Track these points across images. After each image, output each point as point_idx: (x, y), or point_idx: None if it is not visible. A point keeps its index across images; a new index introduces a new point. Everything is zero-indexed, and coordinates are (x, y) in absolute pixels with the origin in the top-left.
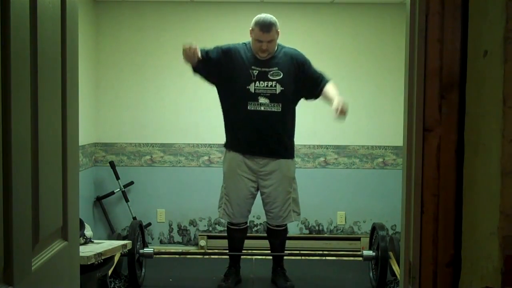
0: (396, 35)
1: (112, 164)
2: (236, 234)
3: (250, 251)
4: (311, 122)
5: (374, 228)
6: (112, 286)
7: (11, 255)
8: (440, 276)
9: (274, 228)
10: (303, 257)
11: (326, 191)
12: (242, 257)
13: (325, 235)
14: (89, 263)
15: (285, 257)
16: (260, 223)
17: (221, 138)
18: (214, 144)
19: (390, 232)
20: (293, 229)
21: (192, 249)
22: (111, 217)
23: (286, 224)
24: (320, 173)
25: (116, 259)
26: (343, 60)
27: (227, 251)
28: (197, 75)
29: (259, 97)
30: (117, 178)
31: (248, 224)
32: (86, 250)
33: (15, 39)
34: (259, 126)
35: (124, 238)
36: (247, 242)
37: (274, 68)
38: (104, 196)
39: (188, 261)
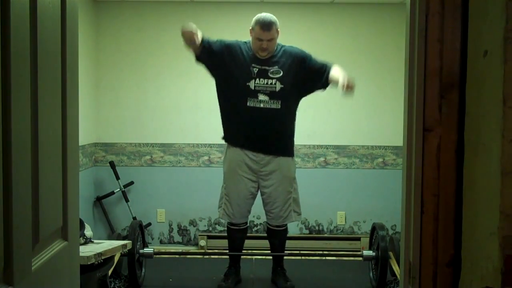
0: (396, 35)
1: (112, 164)
2: (236, 234)
3: (250, 251)
4: (311, 122)
5: (374, 228)
6: (112, 286)
7: (11, 255)
8: (440, 276)
9: (274, 228)
10: (303, 257)
11: (326, 191)
12: (242, 257)
13: (325, 235)
14: (89, 263)
15: (285, 257)
16: (260, 223)
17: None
18: (214, 144)
19: (390, 232)
20: (293, 229)
21: (192, 249)
22: (111, 217)
23: (286, 224)
24: (320, 173)
25: (116, 259)
26: (343, 60)
27: (227, 251)
28: (199, 64)
29: (259, 94)
30: (117, 178)
31: (248, 224)
32: (86, 250)
33: (15, 39)
34: (258, 122)
35: (124, 238)
36: (247, 242)
37: (274, 67)
38: (104, 196)
39: (188, 261)
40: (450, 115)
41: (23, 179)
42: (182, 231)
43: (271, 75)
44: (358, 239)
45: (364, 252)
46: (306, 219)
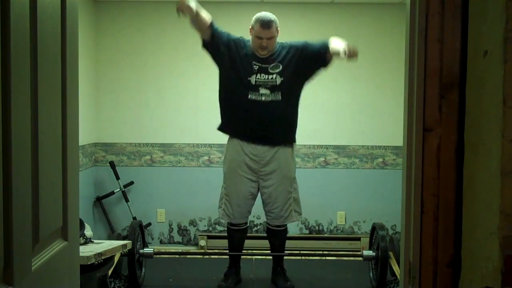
0: (396, 35)
1: (112, 164)
2: (236, 235)
3: (250, 251)
4: (311, 122)
5: (374, 228)
6: (112, 286)
7: (11, 255)
8: (440, 276)
9: (274, 228)
10: (303, 257)
11: (326, 191)
12: (242, 257)
13: (325, 235)
14: (89, 263)
15: (285, 257)
16: (260, 223)
17: (221, 138)
18: (214, 144)
19: (390, 232)
20: (293, 229)
21: (192, 249)
22: (111, 217)
23: (286, 224)
24: (320, 173)
25: (116, 259)
26: (343, 60)
27: (227, 251)
28: (205, 50)
29: (260, 88)
30: (117, 178)
31: (248, 225)
32: (86, 250)
33: (15, 39)
34: (258, 114)
35: (124, 238)
36: (247, 242)
37: (274, 63)
38: (104, 196)
39: (188, 261)
40: (450, 115)
41: (23, 179)
42: (182, 231)
43: (271, 71)
44: (358, 239)
45: (364, 252)
46: (306, 219)
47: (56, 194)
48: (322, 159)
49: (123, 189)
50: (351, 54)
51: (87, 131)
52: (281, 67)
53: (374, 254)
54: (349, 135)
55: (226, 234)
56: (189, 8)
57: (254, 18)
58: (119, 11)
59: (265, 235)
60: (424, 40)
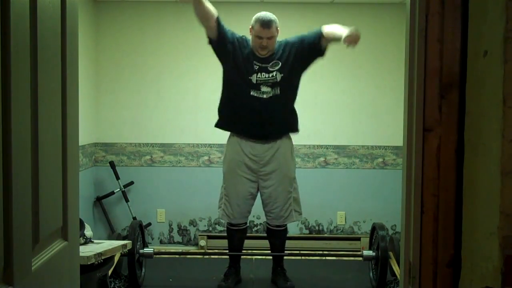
0: (396, 35)
1: (112, 164)
2: (236, 235)
3: (250, 251)
4: (311, 122)
5: (374, 228)
6: (112, 286)
7: (11, 255)
8: (440, 276)
9: (274, 228)
10: (303, 257)
11: (326, 191)
12: (242, 257)
13: (325, 235)
14: (89, 263)
15: (285, 257)
16: (260, 223)
17: (221, 138)
18: (214, 144)
19: (390, 232)
20: (293, 229)
21: (192, 249)
22: (111, 217)
23: (286, 224)
24: (320, 173)
25: (116, 259)
26: (343, 60)
27: (227, 251)
28: (210, 46)
29: (261, 86)
30: (117, 178)
31: (248, 225)
32: (86, 250)
33: (15, 39)
34: (259, 111)
35: (124, 238)
36: (247, 242)
37: (273, 61)
38: (104, 196)
39: (188, 261)
40: (450, 115)
41: (23, 179)
42: (182, 231)
43: (270, 69)
44: (358, 239)
45: (364, 252)
46: (306, 219)
47: (56, 194)
48: (322, 159)
49: (123, 189)
50: (352, 40)
51: (87, 131)
52: (280, 64)
53: (374, 254)
54: (349, 135)
55: (226, 234)
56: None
57: (254, 18)
58: (119, 11)
59: (265, 235)
60: (424, 40)
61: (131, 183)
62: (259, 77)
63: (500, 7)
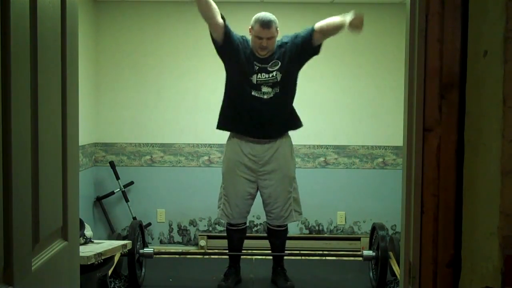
0: (396, 35)
1: (112, 164)
2: (235, 235)
3: (250, 251)
4: (311, 122)
5: (374, 228)
6: (112, 286)
7: (11, 255)
8: (440, 276)
9: (275, 228)
10: (303, 257)
11: (326, 191)
12: (242, 257)
13: (325, 235)
14: (89, 263)
15: (285, 257)
16: (260, 223)
17: (221, 138)
18: (214, 144)
19: (390, 232)
20: (293, 229)
21: (192, 249)
22: (111, 217)
23: (286, 224)
24: (320, 173)
25: (116, 259)
26: (343, 60)
27: (227, 251)
28: (212, 45)
29: (262, 86)
30: (117, 178)
31: (247, 225)
32: (86, 250)
33: (15, 39)
34: (260, 111)
35: (124, 238)
36: (247, 242)
37: (273, 61)
38: (104, 196)
39: (188, 261)
40: (450, 115)
41: (23, 179)
42: (182, 231)
43: (270, 69)
44: (358, 239)
45: (364, 252)
46: (306, 219)
47: (56, 194)
48: (322, 159)
49: (123, 189)
50: (357, 23)
51: (87, 131)
52: (279, 63)
53: (374, 254)
54: (349, 135)
55: (226, 234)
56: None
57: (253, 18)
58: (119, 11)
59: (265, 235)
60: (424, 40)
61: (131, 183)
62: (259, 78)
63: (500, 7)
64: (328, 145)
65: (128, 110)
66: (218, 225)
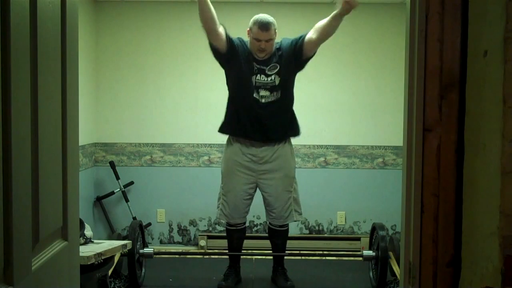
0: (396, 35)
1: (112, 164)
2: (235, 235)
3: (250, 251)
4: (311, 122)
5: (374, 228)
6: (112, 286)
7: (11, 255)
8: (440, 276)
9: (276, 228)
10: (303, 257)
11: (326, 191)
12: (242, 257)
13: (325, 235)
14: (89, 263)
15: (285, 257)
16: (260, 223)
17: (221, 138)
18: (214, 144)
19: (390, 232)
20: (293, 229)
21: (192, 249)
22: (111, 217)
23: (288, 224)
24: (320, 173)
25: (116, 259)
26: (343, 60)
27: (227, 251)
28: (215, 54)
29: (260, 90)
30: (117, 178)
31: (246, 224)
32: (86, 250)
33: (15, 39)
34: (259, 115)
35: (124, 238)
36: (247, 242)
37: (271, 64)
38: (104, 196)
39: (188, 261)
40: (450, 115)
41: (23, 179)
42: (182, 231)
43: (269, 72)
44: (358, 239)
45: (364, 252)
46: (306, 219)
47: (56, 194)
48: (322, 159)
49: (123, 189)
50: (346, 7)
51: (87, 131)
52: (278, 67)
53: (374, 254)
54: (349, 135)
55: (225, 234)
56: None
57: (252, 20)
58: (119, 11)
59: (265, 235)
60: (424, 40)
61: (131, 183)
62: (258, 79)
63: (500, 7)
64: (328, 145)
65: (128, 110)
66: (218, 225)
